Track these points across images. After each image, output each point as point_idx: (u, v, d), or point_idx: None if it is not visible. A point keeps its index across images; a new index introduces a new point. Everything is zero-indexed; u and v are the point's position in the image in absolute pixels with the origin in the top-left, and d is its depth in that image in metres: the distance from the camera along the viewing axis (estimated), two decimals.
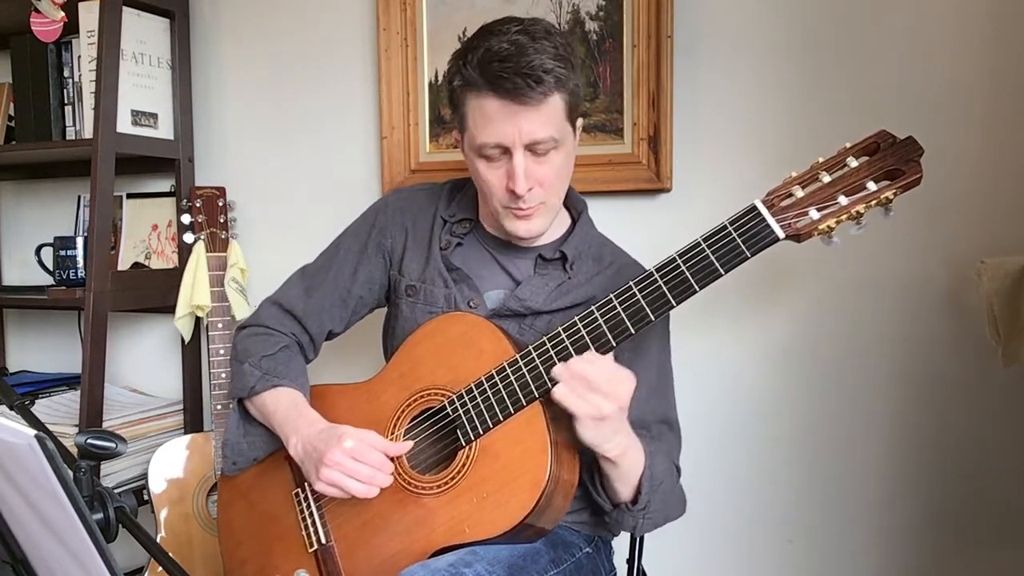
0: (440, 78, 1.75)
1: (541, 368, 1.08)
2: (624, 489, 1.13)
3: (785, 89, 1.53)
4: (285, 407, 1.22)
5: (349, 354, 1.69)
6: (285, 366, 1.27)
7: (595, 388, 1.01)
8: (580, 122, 1.21)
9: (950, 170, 1.43)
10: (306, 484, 1.25)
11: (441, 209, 1.31)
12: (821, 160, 1.01)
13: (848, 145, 1.01)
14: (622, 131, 1.61)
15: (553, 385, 1.04)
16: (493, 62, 1.08)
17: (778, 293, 1.57)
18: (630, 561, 1.36)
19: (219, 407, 1.74)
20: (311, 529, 1.23)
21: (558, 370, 1.04)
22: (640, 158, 1.60)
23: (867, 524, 1.54)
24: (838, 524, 1.55)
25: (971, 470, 1.46)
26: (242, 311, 1.83)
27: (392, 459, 1.13)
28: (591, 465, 1.13)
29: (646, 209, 1.63)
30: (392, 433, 1.18)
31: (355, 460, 1.09)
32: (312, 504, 1.24)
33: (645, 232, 1.58)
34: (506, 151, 1.13)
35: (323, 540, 1.21)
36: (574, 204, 1.31)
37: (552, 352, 1.07)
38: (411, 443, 1.16)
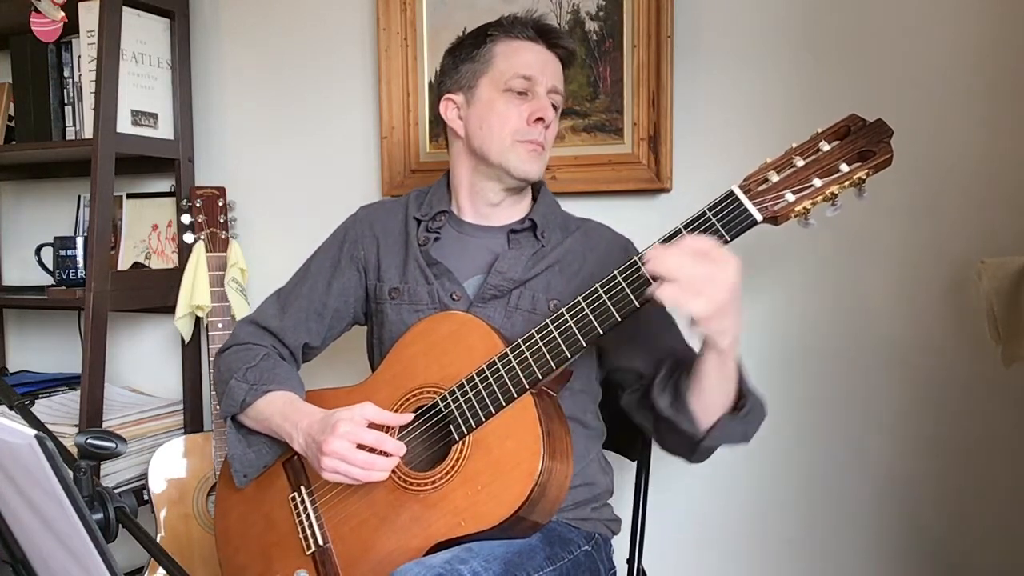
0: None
1: (531, 360, 1.09)
2: (721, 396, 1.09)
3: (785, 89, 1.53)
4: (280, 408, 1.23)
5: (339, 366, 1.69)
6: (271, 372, 1.28)
7: (699, 282, 0.96)
8: None
9: (950, 170, 1.43)
10: (302, 488, 1.25)
11: (412, 211, 1.34)
12: (795, 145, 1.03)
13: (820, 130, 1.03)
14: (622, 131, 1.62)
15: (646, 285, 1.00)
16: (535, 21, 1.28)
17: (779, 293, 1.57)
18: (630, 561, 1.36)
19: (219, 407, 1.74)
20: (308, 532, 1.23)
21: (654, 263, 0.95)
22: (640, 158, 1.60)
23: (866, 523, 1.54)
24: (838, 523, 1.55)
25: (970, 470, 1.46)
26: (242, 311, 1.83)
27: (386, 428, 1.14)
28: (677, 389, 1.11)
29: (646, 209, 1.63)
30: (387, 432, 1.18)
31: (353, 445, 1.10)
32: (309, 507, 1.24)
33: (645, 232, 1.57)
34: (527, 91, 1.25)
35: (320, 542, 1.21)
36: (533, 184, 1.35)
37: (541, 343, 1.09)
38: (411, 415, 1.17)
